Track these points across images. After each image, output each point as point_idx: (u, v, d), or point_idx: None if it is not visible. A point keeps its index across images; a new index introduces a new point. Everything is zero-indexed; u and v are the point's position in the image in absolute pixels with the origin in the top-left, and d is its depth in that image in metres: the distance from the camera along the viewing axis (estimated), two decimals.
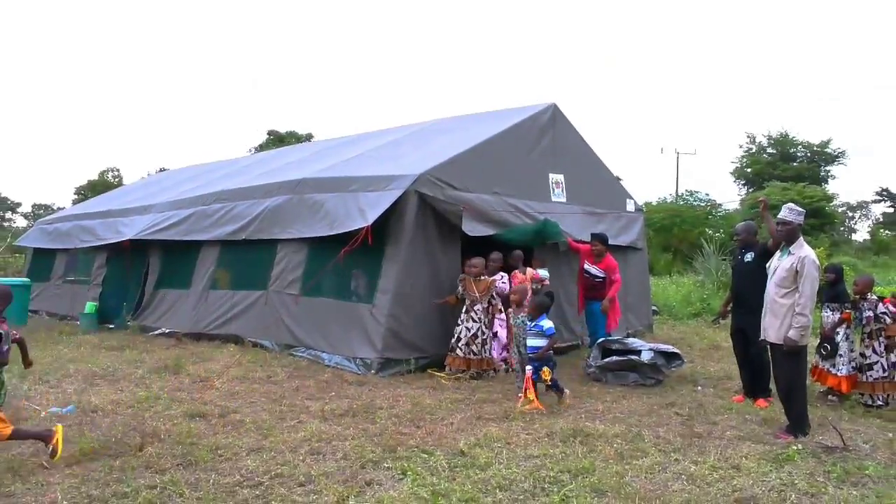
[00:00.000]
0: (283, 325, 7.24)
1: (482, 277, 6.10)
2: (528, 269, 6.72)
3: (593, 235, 7.24)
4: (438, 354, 6.50)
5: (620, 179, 10.98)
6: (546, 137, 8.09)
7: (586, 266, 7.18)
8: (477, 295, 6.09)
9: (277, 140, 34.06)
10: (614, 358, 6.31)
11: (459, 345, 6.01)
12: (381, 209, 6.34)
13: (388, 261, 6.50)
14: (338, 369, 6.45)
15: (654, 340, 7.98)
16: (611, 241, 7.53)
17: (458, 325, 6.04)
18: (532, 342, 5.23)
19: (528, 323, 5.32)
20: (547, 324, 5.19)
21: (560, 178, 8.21)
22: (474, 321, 6.04)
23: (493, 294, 6.16)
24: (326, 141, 12.16)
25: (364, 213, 6.51)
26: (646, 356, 6.27)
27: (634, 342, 6.57)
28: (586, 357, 6.74)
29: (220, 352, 7.36)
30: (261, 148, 32.94)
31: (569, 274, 7.70)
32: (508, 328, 6.47)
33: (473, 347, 5.98)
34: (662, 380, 6.26)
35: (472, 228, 6.63)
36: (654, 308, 11.13)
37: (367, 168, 7.74)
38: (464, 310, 6.11)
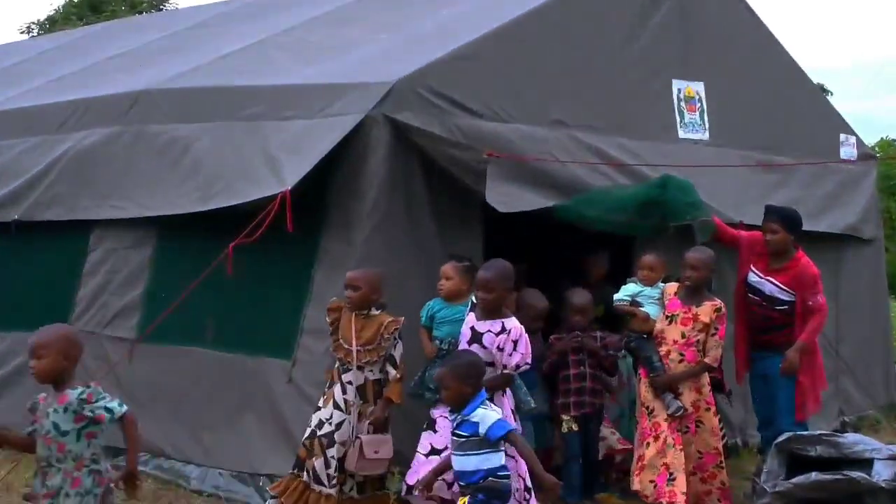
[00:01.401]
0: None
1: (373, 311, 5.99)
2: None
3: (771, 211, 7.29)
4: None
5: (828, 92, 11.01)
6: (665, 5, 8.19)
7: (752, 278, 7.28)
8: (353, 349, 5.97)
9: (87, 7, 34.14)
10: (814, 475, 6.31)
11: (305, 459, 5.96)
12: (312, 159, 6.42)
13: (329, 267, 6.62)
14: (220, 499, 6.58)
15: None
16: (806, 226, 7.60)
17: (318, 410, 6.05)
18: (461, 458, 5.19)
19: (449, 417, 5.36)
20: (490, 415, 5.12)
21: (697, 89, 8.31)
22: (339, 408, 5.94)
23: (393, 353, 6.00)
24: (195, 11, 12.25)
25: (277, 165, 6.62)
26: (883, 472, 6.25)
27: (858, 443, 6.58)
28: (752, 472, 6.77)
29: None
30: (50, 24, 32.98)
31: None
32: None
33: (320, 464, 5.83)
34: None
35: (507, 197, 6.70)
36: None
37: (282, 70, 7.80)
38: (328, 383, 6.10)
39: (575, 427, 6.72)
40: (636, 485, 6.39)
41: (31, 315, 8.03)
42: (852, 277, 9.30)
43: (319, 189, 6.55)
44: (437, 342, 6.03)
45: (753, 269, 7.23)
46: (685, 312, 6.44)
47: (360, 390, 5.95)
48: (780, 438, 6.64)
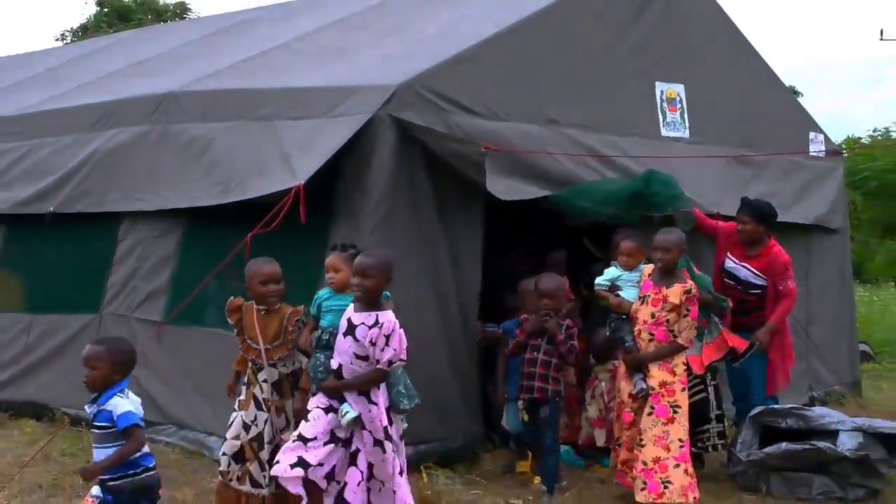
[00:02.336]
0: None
1: (278, 305, 5.46)
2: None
3: (744, 204, 7.28)
4: (442, 439, 6.63)
5: (798, 93, 10.98)
6: (649, 12, 8.18)
7: (728, 264, 7.27)
8: (261, 347, 5.43)
9: (116, 15, 34.05)
10: (784, 446, 6.34)
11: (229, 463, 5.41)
12: (323, 155, 6.41)
13: None
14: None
15: (866, 413, 8.00)
16: (779, 217, 7.53)
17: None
18: (99, 451, 4.57)
19: (87, 406, 4.67)
20: (121, 404, 4.50)
21: (678, 91, 8.31)
22: (260, 408, 5.39)
23: (300, 348, 5.42)
24: (215, 19, 12.20)
25: (290, 161, 6.60)
26: (848, 443, 6.27)
27: (824, 415, 6.60)
28: (728, 443, 6.77)
29: (7, 435, 7.40)
30: (84, 32, 32.94)
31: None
32: None
33: (256, 468, 5.35)
34: (881, 490, 6.27)
35: (505, 187, 6.70)
36: (864, 348, 11.21)
37: (295, 72, 7.78)
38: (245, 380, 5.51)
39: (525, 416, 6.29)
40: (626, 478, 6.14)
41: (65, 300, 8.12)
42: (821, 264, 9.29)
43: (330, 183, 6.54)
44: (319, 331, 5.28)
45: (730, 255, 7.23)
46: (656, 293, 6.10)
47: (276, 386, 5.41)
48: (754, 411, 6.68)
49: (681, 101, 8.33)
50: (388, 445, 4.85)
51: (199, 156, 7.28)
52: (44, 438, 6.96)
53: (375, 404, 4.84)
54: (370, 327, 4.82)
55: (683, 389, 6.04)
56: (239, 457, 5.35)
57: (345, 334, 4.89)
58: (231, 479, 5.35)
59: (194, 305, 7.10)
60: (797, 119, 9.58)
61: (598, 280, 6.61)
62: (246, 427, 5.36)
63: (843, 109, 73.05)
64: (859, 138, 30.07)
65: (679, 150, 8.00)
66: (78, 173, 8.05)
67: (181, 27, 14.72)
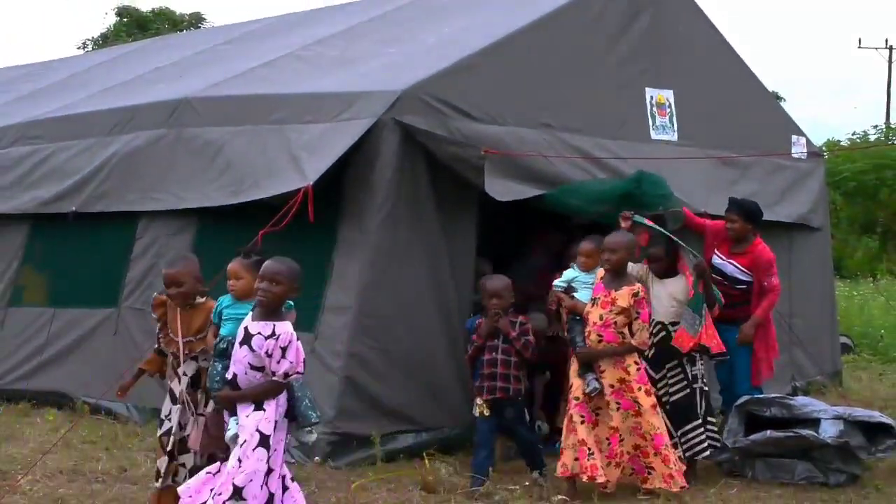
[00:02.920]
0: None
1: (198, 300, 5.15)
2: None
3: (732, 203, 7.27)
4: (441, 427, 6.63)
5: (781, 99, 10.97)
6: (639, 22, 8.16)
7: (715, 260, 7.22)
8: (181, 341, 5.15)
9: (135, 25, 34.03)
10: (769, 433, 6.31)
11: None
12: (330, 157, 6.40)
13: (346, 252, 6.60)
14: None
15: (846, 403, 7.97)
16: (765, 216, 7.55)
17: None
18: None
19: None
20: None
21: (667, 96, 8.29)
22: (175, 402, 5.14)
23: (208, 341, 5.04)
24: (227, 28, 12.19)
25: (299, 163, 6.59)
26: (829, 430, 6.26)
27: (807, 404, 6.58)
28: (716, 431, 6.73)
29: (31, 423, 7.40)
30: (104, 41, 32.92)
31: None
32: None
33: (163, 461, 5.15)
34: (860, 475, 6.25)
35: (503, 188, 6.69)
36: (844, 340, 11.20)
37: (304, 79, 7.77)
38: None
39: (486, 412, 5.96)
40: (559, 468, 5.78)
41: (86, 294, 8.10)
42: (803, 261, 9.26)
43: (337, 184, 6.53)
44: (217, 339, 4.87)
45: (717, 252, 7.20)
46: (605, 296, 5.80)
47: (195, 379, 5.14)
48: (739, 401, 6.65)
49: (670, 105, 8.30)
50: (259, 452, 4.39)
51: (213, 158, 7.26)
52: (65, 427, 6.98)
53: (263, 410, 4.44)
54: (266, 337, 4.41)
55: (641, 388, 5.74)
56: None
57: (241, 343, 4.48)
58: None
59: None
60: (780, 123, 9.54)
61: (556, 282, 6.37)
62: (160, 423, 5.18)
63: (823, 114, 73.20)
64: (839, 141, 30.05)
65: (668, 153, 7.97)
66: (98, 175, 8.03)
67: (196, 36, 14.73)
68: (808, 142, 9.73)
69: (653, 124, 8.16)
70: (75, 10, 75.05)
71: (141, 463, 6.31)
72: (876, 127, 31.10)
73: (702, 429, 6.23)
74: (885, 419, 6.46)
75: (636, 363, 5.80)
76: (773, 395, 6.81)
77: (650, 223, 6.32)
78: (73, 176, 8.22)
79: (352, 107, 6.62)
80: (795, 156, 9.43)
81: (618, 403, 5.74)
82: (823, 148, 22.40)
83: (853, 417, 6.38)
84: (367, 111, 6.52)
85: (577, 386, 5.83)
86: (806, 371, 9.27)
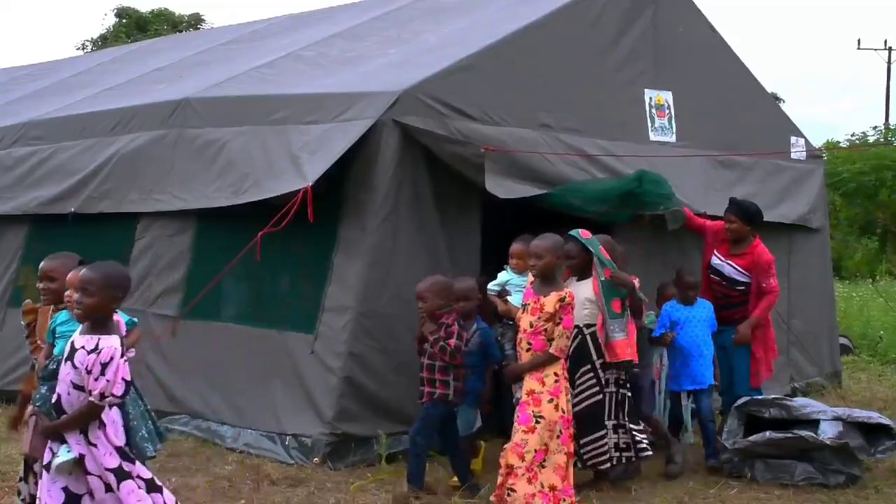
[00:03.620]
0: (150, 373, 7.32)
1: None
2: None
3: (732, 204, 7.26)
4: None
5: (780, 100, 10.99)
6: (639, 23, 8.18)
7: (715, 261, 7.23)
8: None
9: (134, 26, 34.04)
10: (768, 434, 6.33)
11: None
12: (330, 158, 6.41)
13: (346, 252, 6.61)
14: (251, 456, 6.52)
15: (845, 404, 7.99)
16: (764, 217, 7.53)
17: None
18: None
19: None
20: None
21: (666, 97, 8.30)
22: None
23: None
24: (227, 29, 12.19)
25: (300, 164, 6.60)
26: (828, 431, 6.28)
27: (806, 405, 6.59)
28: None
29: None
30: (104, 41, 32.93)
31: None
32: None
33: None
34: (860, 476, 6.27)
35: (503, 186, 6.71)
36: (843, 341, 11.20)
37: (304, 80, 7.76)
38: None
39: None
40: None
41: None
42: (802, 261, 9.27)
43: (337, 184, 6.54)
44: (48, 360, 4.53)
45: (716, 253, 7.21)
46: (535, 302, 5.51)
47: None
48: (739, 402, 6.67)
49: (668, 107, 8.32)
50: (126, 486, 4.00)
51: (213, 158, 7.28)
52: None
53: (95, 445, 4.00)
54: (89, 352, 3.95)
55: (551, 400, 5.36)
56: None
57: (66, 360, 4.04)
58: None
59: (207, 301, 7.10)
60: (779, 124, 9.55)
61: (490, 285, 6.23)
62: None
63: (822, 115, 73.33)
64: (838, 142, 30.12)
65: (667, 154, 7.99)
66: (98, 175, 8.05)
67: (196, 37, 14.71)
68: (808, 143, 9.74)
69: (652, 125, 8.17)
70: (75, 12, 75.11)
71: None
72: (875, 128, 31.27)
73: (605, 439, 5.82)
74: (885, 420, 6.48)
75: (556, 374, 5.43)
76: (772, 396, 6.82)
77: (585, 236, 5.92)
78: (74, 176, 8.24)
79: (352, 107, 6.64)
80: (794, 157, 9.45)
81: (517, 415, 5.43)
82: (823, 149, 22.44)
83: (852, 418, 6.40)
84: (367, 112, 6.54)
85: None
86: (805, 372, 9.28)
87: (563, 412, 5.40)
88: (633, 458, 5.96)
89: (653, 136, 8.15)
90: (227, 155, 7.19)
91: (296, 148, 6.71)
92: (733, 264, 7.13)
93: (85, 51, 32.72)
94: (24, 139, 8.92)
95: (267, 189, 6.68)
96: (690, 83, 8.53)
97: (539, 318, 5.46)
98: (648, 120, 8.17)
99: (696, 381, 6.72)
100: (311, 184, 6.26)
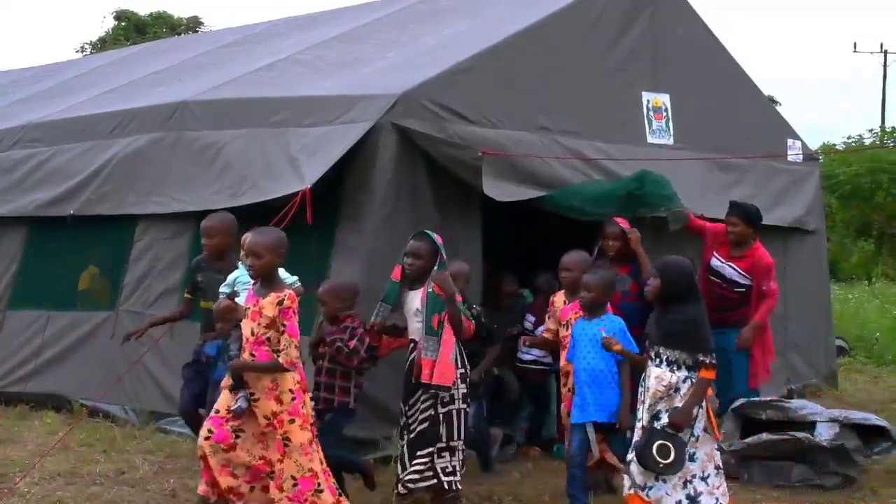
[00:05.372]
0: (148, 375, 7.31)
1: None
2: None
3: (733, 207, 7.26)
4: None
5: (777, 103, 11.01)
6: (637, 26, 8.19)
7: (714, 263, 7.23)
8: None
9: (133, 29, 34.03)
10: (764, 436, 6.33)
11: None
12: (329, 160, 6.41)
13: (344, 254, 6.61)
14: None
15: (841, 405, 7.99)
16: (764, 220, 7.55)
17: None
18: None
19: None
20: None
21: (663, 100, 8.30)
22: None
23: None
24: (226, 32, 12.18)
25: (298, 166, 6.60)
26: (824, 433, 6.27)
27: (802, 407, 6.58)
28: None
29: (29, 426, 7.39)
30: (103, 44, 32.90)
31: None
32: None
33: None
34: (857, 479, 6.27)
35: (500, 189, 6.70)
36: (840, 343, 11.20)
37: (303, 83, 7.76)
38: None
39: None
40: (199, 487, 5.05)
41: (84, 298, 8.13)
42: (799, 264, 9.28)
43: (335, 187, 6.54)
44: None
45: (716, 255, 7.20)
46: (254, 305, 4.84)
47: None
48: (735, 404, 6.66)
49: (666, 109, 8.32)
50: None
51: (212, 161, 7.27)
52: (63, 429, 6.96)
53: None
54: None
55: (293, 421, 4.78)
56: None
57: None
58: None
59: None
60: (776, 127, 9.55)
61: (222, 287, 5.62)
62: None
63: (818, 119, 73.43)
64: (834, 145, 30.14)
65: (664, 156, 7.97)
66: (97, 177, 8.04)
67: (194, 40, 14.72)
68: (804, 145, 9.75)
69: (649, 128, 8.18)
70: (74, 14, 75.09)
71: (139, 465, 6.29)
72: (871, 130, 31.29)
73: (427, 458, 5.30)
74: (881, 422, 6.47)
75: (291, 391, 4.80)
76: (768, 398, 6.82)
77: (439, 239, 5.47)
78: (72, 178, 8.22)
79: (351, 110, 6.64)
80: (791, 159, 9.46)
81: (268, 443, 4.82)
82: (819, 151, 22.48)
83: (849, 420, 6.39)
84: (365, 114, 6.53)
85: (225, 401, 4.95)
86: (801, 374, 9.29)
87: (310, 430, 4.86)
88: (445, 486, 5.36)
89: (650, 139, 8.15)
90: (225, 157, 7.19)
91: (294, 150, 6.71)
92: (734, 266, 7.13)
93: (84, 53, 32.71)
94: (23, 141, 8.91)
95: (265, 191, 6.67)
96: (688, 86, 8.54)
97: (259, 323, 4.80)
98: (646, 122, 8.17)
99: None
100: (309, 186, 6.26)
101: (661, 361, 4.85)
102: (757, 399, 6.76)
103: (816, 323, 9.65)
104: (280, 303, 4.75)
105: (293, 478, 4.77)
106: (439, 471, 5.31)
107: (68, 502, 5.54)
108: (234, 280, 5.52)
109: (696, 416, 4.76)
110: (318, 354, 5.57)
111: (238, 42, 10.65)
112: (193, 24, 34.95)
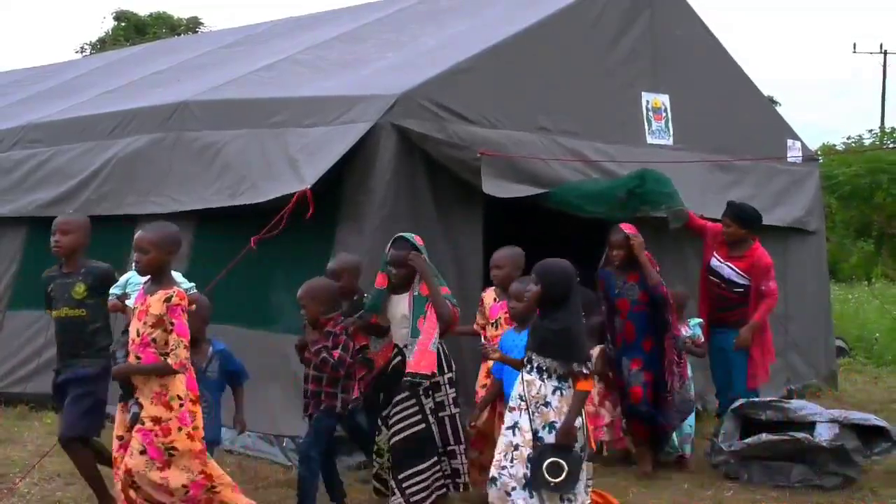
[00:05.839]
0: None
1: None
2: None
3: (729, 207, 7.24)
4: None
5: (776, 103, 11.02)
6: (636, 26, 8.20)
7: (713, 262, 7.23)
8: None
9: (133, 30, 34.03)
10: (764, 436, 6.34)
11: None
12: (329, 160, 6.41)
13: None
14: (249, 458, 6.55)
15: (841, 406, 7.99)
16: (763, 220, 7.54)
17: None
18: None
19: None
20: None
21: (663, 101, 8.31)
22: None
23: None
24: (226, 33, 12.19)
25: (298, 166, 6.60)
26: (824, 433, 6.28)
27: (802, 408, 6.59)
28: (711, 434, 6.75)
29: (29, 426, 7.42)
30: (103, 45, 32.90)
31: (681, 280, 7.68)
32: None
33: None
34: (856, 479, 6.28)
35: (500, 187, 6.73)
36: (839, 344, 11.20)
37: (303, 83, 7.77)
38: None
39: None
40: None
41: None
42: (798, 264, 9.28)
43: (335, 187, 6.54)
44: None
45: (716, 254, 7.21)
46: (142, 304, 4.55)
47: None
48: (735, 404, 6.67)
49: (665, 110, 8.33)
50: None
51: (212, 161, 7.28)
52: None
53: None
54: None
55: (181, 429, 4.49)
56: None
57: None
58: None
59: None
60: (775, 127, 9.56)
61: (113, 288, 5.38)
62: None
63: (818, 119, 73.48)
64: (834, 145, 30.14)
65: (663, 157, 7.98)
66: (97, 178, 8.05)
67: (194, 41, 14.72)
68: (804, 146, 9.75)
69: (649, 129, 8.19)
70: (73, 15, 75.13)
71: None
72: (871, 131, 31.30)
73: (427, 472, 5.26)
74: (880, 422, 6.48)
75: (180, 397, 4.52)
76: (768, 399, 6.83)
77: (419, 241, 5.50)
78: (72, 179, 8.24)
79: (350, 110, 6.64)
80: (791, 160, 9.46)
81: (144, 449, 4.48)
82: (818, 152, 22.45)
83: (848, 420, 6.40)
84: (365, 115, 6.54)
85: (120, 418, 4.84)
86: (801, 374, 9.29)
87: (199, 441, 4.58)
88: (450, 489, 5.42)
89: (650, 140, 8.17)
90: (225, 157, 7.19)
91: (294, 150, 6.71)
92: (733, 266, 7.13)
93: (84, 54, 32.71)
94: (22, 142, 8.92)
95: (265, 192, 6.68)
96: (687, 86, 8.55)
97: (146, 322, 4.52)
98: (645, 123, 8.18)
99: None
100: (309, 186, 6.27)
101: (531, 368, 4.64)
102: (757, 399, 6.77)
103: (816, 323, 9.66)
104: (168, 300, 4.48)
105: (184, 486, 4.51)
106: (442, 475, 5.35)
107: (68, 502, 5.57)
108: (126, 281, 5.26)
109: (581, 426, 4.58)
110: (304, 361, 5.47)
111: (238, 42, 10.66)
112: (193, 25, 34.95)
